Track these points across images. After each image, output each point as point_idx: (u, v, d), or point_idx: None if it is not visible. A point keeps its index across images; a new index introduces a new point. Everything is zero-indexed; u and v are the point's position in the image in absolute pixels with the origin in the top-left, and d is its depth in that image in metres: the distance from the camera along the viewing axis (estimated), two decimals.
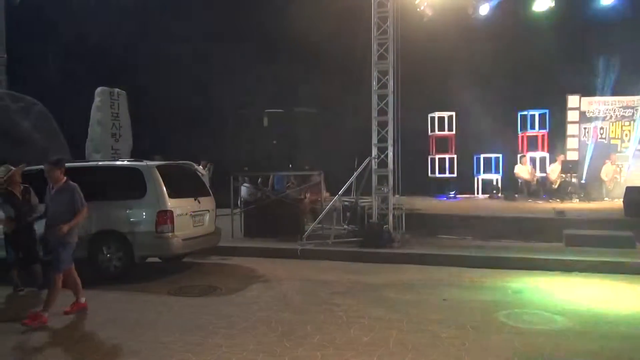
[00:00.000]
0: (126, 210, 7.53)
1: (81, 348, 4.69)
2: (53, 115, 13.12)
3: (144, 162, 7.88)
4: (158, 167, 7.78)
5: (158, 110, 16.08)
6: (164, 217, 7.37)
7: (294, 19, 13.53)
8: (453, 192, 15.01)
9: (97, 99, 12.09)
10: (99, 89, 12.11)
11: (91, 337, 4.96)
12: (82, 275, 7.48)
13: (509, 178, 15.23)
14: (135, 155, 10.95)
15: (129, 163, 8.15)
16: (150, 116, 15.23)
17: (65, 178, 5.87)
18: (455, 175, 15.95)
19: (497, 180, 15.70)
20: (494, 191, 15.10)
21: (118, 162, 8.63)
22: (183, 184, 8.23)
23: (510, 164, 15.29)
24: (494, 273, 7.59)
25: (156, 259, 8.29)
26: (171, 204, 7.49)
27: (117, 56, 16.11)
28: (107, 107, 12.07)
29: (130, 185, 7.59)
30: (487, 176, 15.94)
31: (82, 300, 5.95)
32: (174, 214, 7.48)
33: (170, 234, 7.42)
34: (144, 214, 7.45)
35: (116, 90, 12.34)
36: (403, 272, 7.83)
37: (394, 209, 9.87)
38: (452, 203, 13.91)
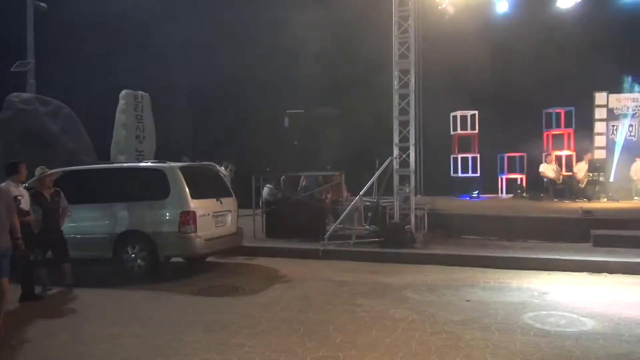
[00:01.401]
0: (150, 210, 7.64)
1: (108, 346, 4.78)
2: (79, 118, 13.41)
3: (167, 164, 7.98)
4: (181, 168, 7.87)
5: (182, 113, 16.30)
6: (187, 217, 7.46)
7: (315, 19, 13.55)
8: (476, 192, 14.80)
9: (121, 102, 12.32)
10: (123, 92, 12.34)
11: (117, 336, 5.04)
12: (108, 274, 7.68)
13: (534, 177, 14.94)
14: (162, 156, 11.10)
15: (152, 164, 8.27)
16: (175, 118, 15.46)
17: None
18: (478, 174, 15.73)
19: (521, 179, 15.43)
20: (519, 191, 14.84)
21: (142, 164, 8.77)
22: (205, 185, 8.31)
23: (535, 163, 15.00)
24: (519, 274, 7.46)
25: (180, 259, 8.40)
26: (194, 204, 7.57)
27: (142, 59, 16.39)
28: (131, 110, 12.29)
29: (154, 186, 7.70)
30: (512, 175, 15.68)
31: None
32: (197, 215, 7.56)
33: (193, 234, 7.50)
34: (167, 214, 7.55)
35: (140, 93, 12.55)
36: (425, 272, 7.75)
37: (415, 209, 9.79)
38: (475, 203, 13.72)
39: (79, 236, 7.59)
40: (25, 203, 6.60)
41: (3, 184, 6.51)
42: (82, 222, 7.76)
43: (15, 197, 6.42)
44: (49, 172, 7.21)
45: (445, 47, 12.90)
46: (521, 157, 15.64)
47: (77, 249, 7.33)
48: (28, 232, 6.48)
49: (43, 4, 14.63)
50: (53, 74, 14.80)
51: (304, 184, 12.33)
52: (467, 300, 6.10)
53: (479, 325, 5.16)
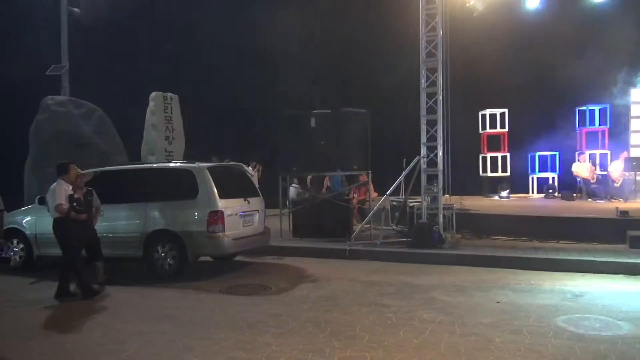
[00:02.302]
0: (179, 210, 7.76)
1: (139, 343, 4.87)
2: (111, 119, 13.73)
3: (196, 164, 8.09)
4: (209, 168, 7.97)
5: (211, 113, 16.51)
6: (215, 217, 7.54)
7: (341, 19, 13.53)
8: (506, 192, 14.51)
9: (151, 103, 12.53)
10: (153, 94, 12.55)
11: (148, 333, 5.14)
12: (138, 273, 7.84)
13: (567, 177, 14.56)
14: (191, 157, 11.26)
15: (181, 165, 8.39)
16: (204, 119, 15.67)
17: None
18: (508, 174, 15.42)
19: (553, 179, 15.04)
20: (550, 190, 14.47)
21: (171, 164, 8.91)
22: (233, 185, 8.39)
23: (567, 161, 14.61)
24: (551, 276, 7.28)
25: (208, 258, 8.50)
26: (222, 204, 7.65)
27: (171, 61, 16.68)
28: (160, 111, 12.48)
29: (183, 186, 7.81)
30: (543, 175, 15.30)
31: None
32: (225, 214, 7.64)
33: (221, 233, 7.58)
34: (196, 214, 7.65)
35: (169, 94, 12.74)
36: (454, 273, 7.64)
37: (444, 208, 9.66)
38: (505, 203, 13.45)
39: (110, 235, 7.77)
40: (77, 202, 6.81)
41: (54, 184, 6.73)
42: (113, 221, 7.94)
43: (72, 196, 6.65)
44: (82, 172, 7.40)
45: (474, 45, 12.69)
46: (553, 156, 15.25)
47: (109, 247, 7.50)
48: (80, 230, 6.73)
49: (76, 9, 15.02)
50: (86, 76, 15.18)
51: (328, 184, 12.31)
52: (497, 302, 5.98)
53: (509, 327, 5.05)
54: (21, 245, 8.59)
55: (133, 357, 4.52)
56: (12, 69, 15.26)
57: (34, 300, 6.59)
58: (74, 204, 6.68)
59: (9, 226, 8.59)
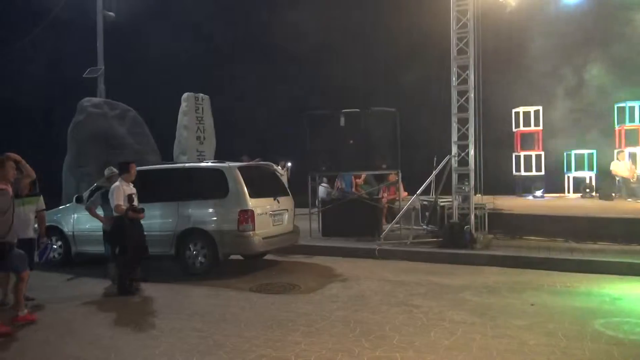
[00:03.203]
0: (210, 209, 7.88)
1: (171, 339, 4.96)
2: (144, 119, 14.05)
3: (226, 164, 8.18)
4: (239, 168, 8.05)
5: (241, 113, 16.70)
6: (245, 216, 7.62)
7: (372, 17, 13.46)
8: (540, 191, 14.15)
9: (183, 104, 12.77)
10: (185, 95, 12.78)
11: (179, 330, 5.23)
12: (170, 270, 7.98)
13: (605, 176, 14.09)
14: (221, 157, 11.41)
15: (212, 164, 8.51)
16: (235, 119, 15.87)
17: None
18: (542, 173, 15.04)
19: (590, 178, 14.58)
20: (587, 190, 14.04)
21: (202, 164, 9.05)
22: (263, 184, 8.46)
23: (605, 160, 14.14)
24: (588, 278, 7.05)
25: (239, 257, 8.59)
26: (252, 203, 7.72)
27: (202, 63, 16.95)
28: (192, 112, 12.70)
29: (214, 185, 7.92)
30: (579, 174, 14.85)
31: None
32: (255, 213, 7.71)
33: (251, 232, 7.65)
34: (226, 213, 7.74)
35: (200, 95, 12.96)
36: (486, 274, 7.50)
37: (475, 208, 9.49)
38: (539, 202, 13.12)
39: (145, 233, 7.92)
40: (136, 201, 7.06)
41: (116, 183, 6.94)
42: (147, 220, 8.07)
43: (130, 195, 6.85)
44: (117, 172, 7.60)
45: (507, 41, 12.44)
46: (590, 154, 14.79)
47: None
48: (139, 229, 6.99)
49: (111, 13, 15.43)
50: (121, 78, 15.60)
51: (340, 185, 12.21)
52: (531, 304, 5.83)
53: (544, 330, 4.92)
54: (59, 243, 8.88)
55: (166, 352, 4.61)
56: (51, 72, 15.80)
57: (72, 296, 6.80)
58: (133, 203, 6.88)
59: (48, 224, 8.91)
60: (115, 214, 6.90)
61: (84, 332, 5.27)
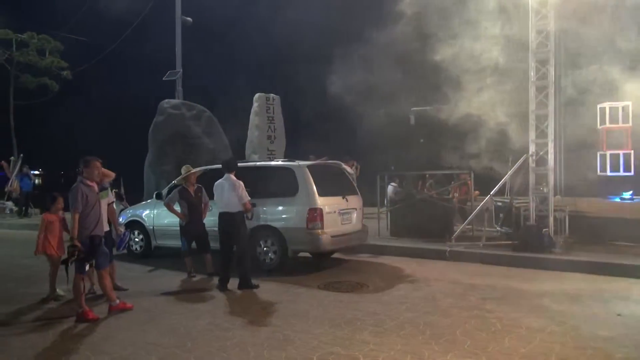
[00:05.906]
0: (280, 207, 8.04)
1: (242, 332, 5.11)
2: (218, 120, 14.59)
3: (296, 162, 8.31)
4: (309, 166, 8.14)
5: (310, 113, 16.89)
6: (314, 214, 7.69)
7: (441, 10, 13.08)
8: (629, 193, 13.11)
9: (255, 104, 13.14)
10: (256, 95, 13.14)
11: (250, 323, 5.38)
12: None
13: None
14: (291, 155, 11.59)
15: (282, 163, 8.66)
16: (305, 119, 16.08)
17: None
18: (631, 173, 13.92)
19: None
20: None
21: (273, 162, 9.24)
22: (332, 183, 8.49)
23: None
24: None
25: (307, 254, 8.69)
26: (321, 201, 7.79)
27: (273, 64, 17.32)
28: (263, 112, 13.04)
29: (284, 183, 8.07)
30: None
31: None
32: (324, 212, 7.76)
33: (320, 230, 7.71)
34: (296, 211, 7.86)
35: (271, 95, 13.27)
36: (566, 280, 7.07)
37: (555, 210, 8.98)
38: (627, 205, 12.14)
39: (216, 229, 8.23)
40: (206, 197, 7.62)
41: (234, 182, 7.21)
42: None
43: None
44: (194, 170, 7.97)
45: (590, 32, 11.60)
46: None
47: (216, 241, 7.94)
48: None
49: (188, 18, 16.18)
50: (198, 81, 16.30)
51: (428, 182, 12.01)
52: (618, 315, 5.43)
53: (632, 342, 4.56)
54: (141, 236, 9.43)
55: (238, 344, 4.76)
56: (135, 76, 16.81)
57: (152, 287, 7.19)
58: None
59: (130, 219, 9.51)
60: (239, 209, 6.97)
61: (162, 321, 5.56)
